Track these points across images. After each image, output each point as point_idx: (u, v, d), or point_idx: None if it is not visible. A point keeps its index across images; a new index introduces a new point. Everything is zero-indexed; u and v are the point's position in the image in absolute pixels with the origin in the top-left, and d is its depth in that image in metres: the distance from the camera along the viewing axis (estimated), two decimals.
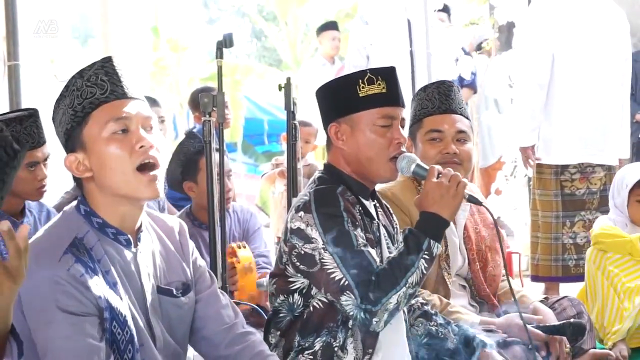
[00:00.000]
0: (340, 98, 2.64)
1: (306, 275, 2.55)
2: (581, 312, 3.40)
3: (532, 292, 5.22)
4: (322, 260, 2.48)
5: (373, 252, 2.51)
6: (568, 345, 3.18)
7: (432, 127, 3.25)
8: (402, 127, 2.67)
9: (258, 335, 2.43)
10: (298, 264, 2.55)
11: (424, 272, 2.47)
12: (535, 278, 5.20)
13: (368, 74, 2.61)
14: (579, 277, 4.85)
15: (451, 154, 3.20)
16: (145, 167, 2.12)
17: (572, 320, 3.25)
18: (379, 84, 2.60)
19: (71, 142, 2.12)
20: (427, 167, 2.57)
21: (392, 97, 2.64)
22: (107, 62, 2.16)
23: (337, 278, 2.46)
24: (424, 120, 3.27)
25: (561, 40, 4.91)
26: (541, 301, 3.39)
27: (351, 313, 2.46)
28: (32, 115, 3.47)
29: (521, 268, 5.92)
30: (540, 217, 5.09)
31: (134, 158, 2.10)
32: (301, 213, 2.53)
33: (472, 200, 2.59)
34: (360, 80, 2.60)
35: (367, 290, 2.42)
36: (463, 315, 3.10)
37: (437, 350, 2.72)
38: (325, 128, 2.71)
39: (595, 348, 3.43)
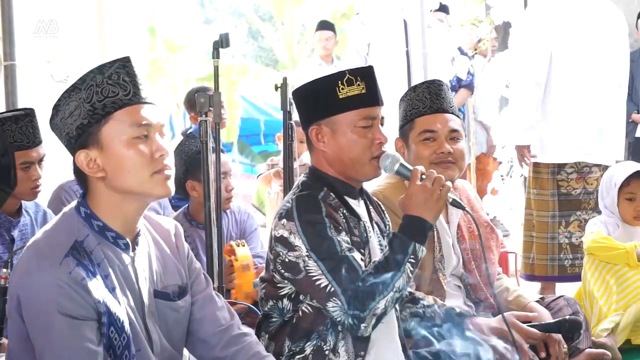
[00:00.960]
0: (320, 100, 2.62)
1: (292, 282, 2.55)
2: (577, 312, 3.41)
3: (528, 291, 5.23)
4: (307, 268, 2.48)
5: (358, 256, 2.50)
6: (565, 346, 3.18)
7: (425, 128, 3.24)
8: (382, 125, 2.66)
9: (254, 336, 2.44)
10: (283, 271, 2.55)
11: (410, 275, 2.46)
12: (529, 277, 5.18)
13: (347, 75, 2.59)
14: (575, 277, 4.85)
15: (445, 154, 3.20)
16: (161, 171, 2.15)
17: (567, 317, 3.25)
18: (359, 85, 2.59)
19: (84, 137, 2.11)
20: (410, 168, 2.57)
21: (372, 98, 2.62)
22: (127, 62, 2.15)
23: (322, 285, 2.46)
24: (416, 121, 3.26)
25: (559, 38, 4.90)
26: (537, 301, 3.40)
27: (338, 319, 2.45)
28: (28, 114, 3.46)
29: (517, 268, 5.93)
30: (535, 217, 5.08)
31: (152, 165, 2.12)
32: (284, 221, 2.53)
33: (455, 204, 2.58)
34: (340, 82, 2.58)
35: (355, 297, 2.41)
36: None
37: (427, 327, 2.70)
38: (305, 129, 2.69)
39: (591, 348, 3.43)
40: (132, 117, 2.11)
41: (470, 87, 8.08)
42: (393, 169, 2.58)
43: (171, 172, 2.17)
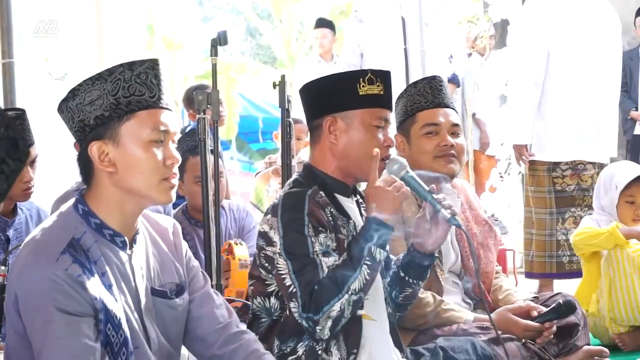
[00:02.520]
0: (340, 93, 2.66)
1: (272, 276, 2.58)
2: (575, 309, 3.41)
3: (525, 289, 5.24)
4: (277, 265, 2.51)
5: (329, 260, 2.50)
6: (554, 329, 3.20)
7: (428, 121, 3.25)
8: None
9: (252, 334, 2.44)
10: (266, 264, 2.58)
11: (368, 278, 2.45)
12: (529, 275, 5.19)
13: (369, 74, 2.65)
14: (573, 274, 4.86)
15: (449, 146, 3.21)
16: (168, 179, 2.18)
17: (561, 300, 3.25)
18: (378, 85, 2.65)
19: (101, 129, 2.12)
20: (422, 184, 2.59)
21: (387, 100, 2.69)
22: (156, 64, 2.19)
23: (287, 284, 2.48)
24: (418, 115, 3.27)
25: (556, 37, 4.90)
26: (532, 300, 3.39)
27: (299, 320, 2.47)
28: (20, 116, 3.41)
29: (515, 265, 5.94)
30: (533, 214, 5.09)
31: (163, 172, 2.15)
32: (269, 216, 2.57)
33: (452, 222, 2.58)
34: (362, 79, 2.64)
35: (309, 299, 2.43)
36: (457, 312, 3.11)
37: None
38: (314, 121, 2.71)
39: (589, 344, 3.43)
40: (153, 120, 2.13)
41: (454, 81, 8.08)
42: (399, 174, 2.59)
43: (176, 181, 2.20)
